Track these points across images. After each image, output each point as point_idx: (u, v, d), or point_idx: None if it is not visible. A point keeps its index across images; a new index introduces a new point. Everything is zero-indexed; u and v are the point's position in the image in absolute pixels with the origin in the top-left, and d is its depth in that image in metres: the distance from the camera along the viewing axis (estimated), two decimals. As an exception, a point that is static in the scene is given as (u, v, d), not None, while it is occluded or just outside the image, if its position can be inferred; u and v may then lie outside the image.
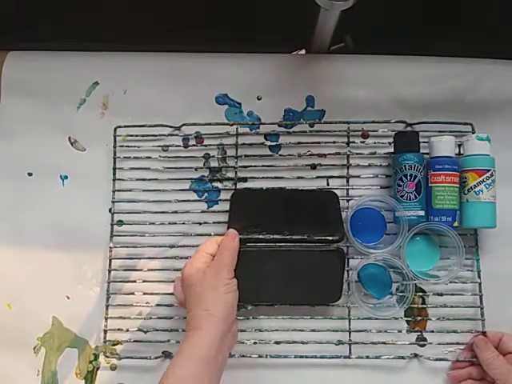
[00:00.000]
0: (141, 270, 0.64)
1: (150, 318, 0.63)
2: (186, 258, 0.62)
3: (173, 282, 0.61)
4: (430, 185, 0.61)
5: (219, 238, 0.57)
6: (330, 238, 0.59)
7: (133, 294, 0.64)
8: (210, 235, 0.63)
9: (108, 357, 0.63)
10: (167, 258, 0.64)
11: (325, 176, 0.64)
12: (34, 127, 0.67)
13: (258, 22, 0.70)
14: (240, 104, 0.66)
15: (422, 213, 0.60)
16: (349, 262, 0.62)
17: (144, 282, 0.64)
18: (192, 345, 0.50)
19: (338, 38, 0.66)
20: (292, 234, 0.59)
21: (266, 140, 0.66)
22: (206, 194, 0.66)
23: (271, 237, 0.59)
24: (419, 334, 0.62)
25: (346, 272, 0.61)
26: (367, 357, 0.61)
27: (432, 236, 0.63)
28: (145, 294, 0.64)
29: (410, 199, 0.60)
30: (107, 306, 0.63)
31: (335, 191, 0.63)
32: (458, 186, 0.60)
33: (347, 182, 0.64)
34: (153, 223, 0.64)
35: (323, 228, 0.59)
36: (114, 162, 0.65)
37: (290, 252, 0.59)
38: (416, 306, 0.62)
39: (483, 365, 0.58)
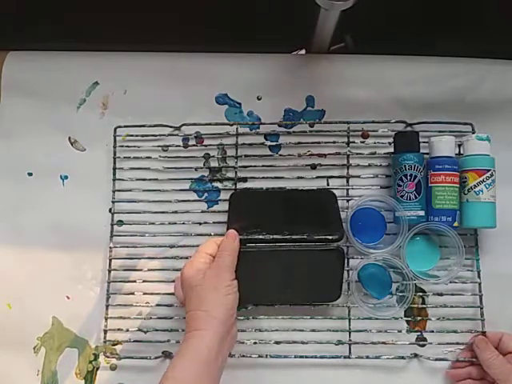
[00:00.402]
0: (141, 269, 0.64)
1: (150, 318, 0.63)
2: (186, 258, 0.62)
3: (173, 282, 0.61)
4: (430, 185, 0.61)
5: (219, 239, 0.57)
6: (330, 237, 0.59)
7: (133, 293, 0.64)
8: (210, 235, 0.63)
9: (108, 357, 0.63)
10: (167, 258, 0.64)
11: (325, 176, 0.64)
12: (34, 127, 0.67)
13: (258, 22, 0.70)
14: (240, 104, 0.66)
15: (422, 213, 0.60)
16: (349, 261, 0.62)
17: (144, 281, 0.64)
18: (192, 346, 0.50)
19: (338, 37, 0.66)
20: (292, 233, 0.59)
21: (266, 140, 0.66)
22: (206, 194, 0.66)
23: (271, 237, 0.59)
24: (419, 334, 0.62)
25: (345, 272, 0.61)
26: (367, 357, 0.61)
27: (432, 236, 0.63)
28: (145, 294, 0.64)
29: (409, 199, 0.60)
30: (107, 306, 0.63)
31: (335, 191, 0.63)
32: (457, 185, 0.60)
33: (347, 182, 0.64)
34: (153, 223, 0.65)
35: (323, 227, 0.59)
36: (114, 162, 0.65)
37: (290, 252, 0.59)
38: (416, 306, 0.62)
39: (483, 365, 0.58)
